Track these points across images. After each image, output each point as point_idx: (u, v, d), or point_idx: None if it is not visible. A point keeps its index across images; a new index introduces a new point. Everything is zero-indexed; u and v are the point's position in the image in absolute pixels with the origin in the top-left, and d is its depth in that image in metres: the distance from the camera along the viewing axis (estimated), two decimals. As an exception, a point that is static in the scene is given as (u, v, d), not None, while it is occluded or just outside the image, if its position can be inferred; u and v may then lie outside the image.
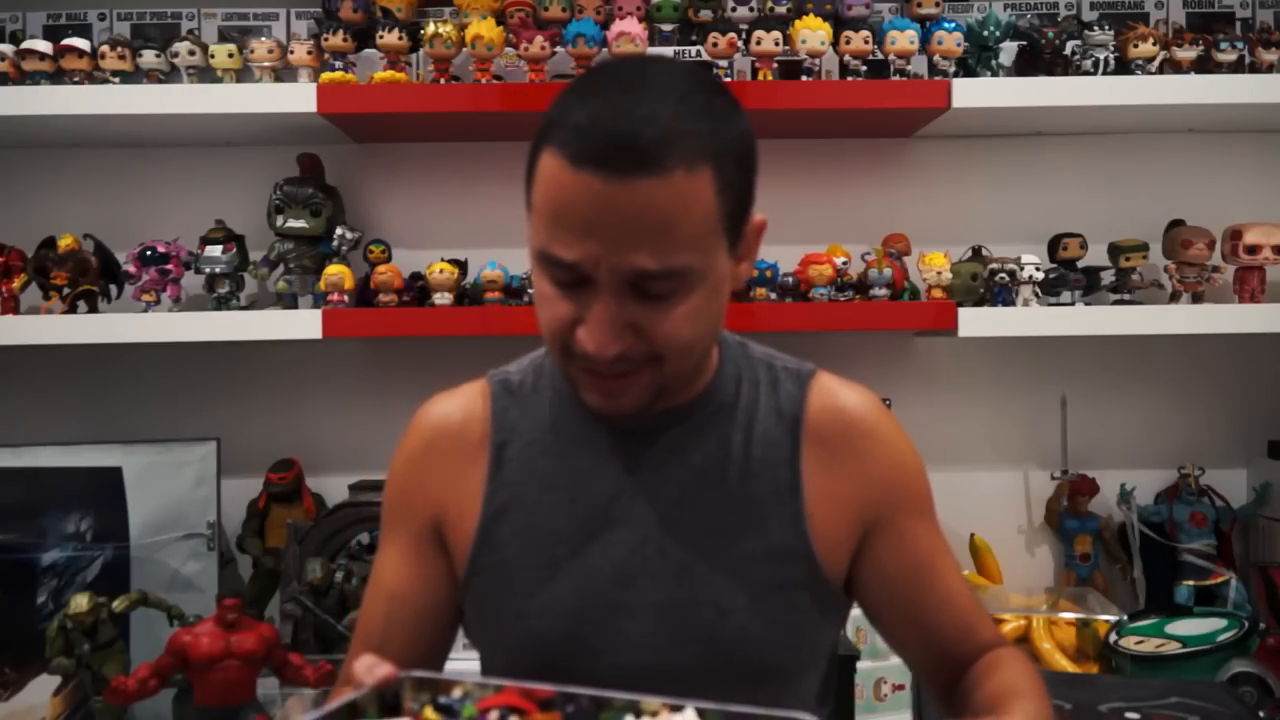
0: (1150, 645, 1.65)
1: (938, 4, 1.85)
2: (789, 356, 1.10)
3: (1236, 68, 1.85)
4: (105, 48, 1.82)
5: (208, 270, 1.86)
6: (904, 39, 1.78)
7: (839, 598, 1.06)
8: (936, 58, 1.81)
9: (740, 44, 1.80)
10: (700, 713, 0.72)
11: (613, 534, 1.02)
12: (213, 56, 1.84)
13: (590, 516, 1.03)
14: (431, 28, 1.78)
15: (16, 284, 1.86)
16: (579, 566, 1.02)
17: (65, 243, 1.86)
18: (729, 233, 0.93)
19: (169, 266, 1.84)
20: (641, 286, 0.90)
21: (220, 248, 1.87)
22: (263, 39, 1.85)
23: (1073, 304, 1.87)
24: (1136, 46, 1.81)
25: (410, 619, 1.07)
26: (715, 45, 1.78)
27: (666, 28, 1.85)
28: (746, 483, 1.03)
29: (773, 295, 1.83)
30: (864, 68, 1.81)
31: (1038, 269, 1.82)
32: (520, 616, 1.02)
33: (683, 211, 0.88)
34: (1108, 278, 1.93)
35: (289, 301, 1.87)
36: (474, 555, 1.05)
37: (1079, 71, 1.83)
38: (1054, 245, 1.93)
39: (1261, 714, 1.51)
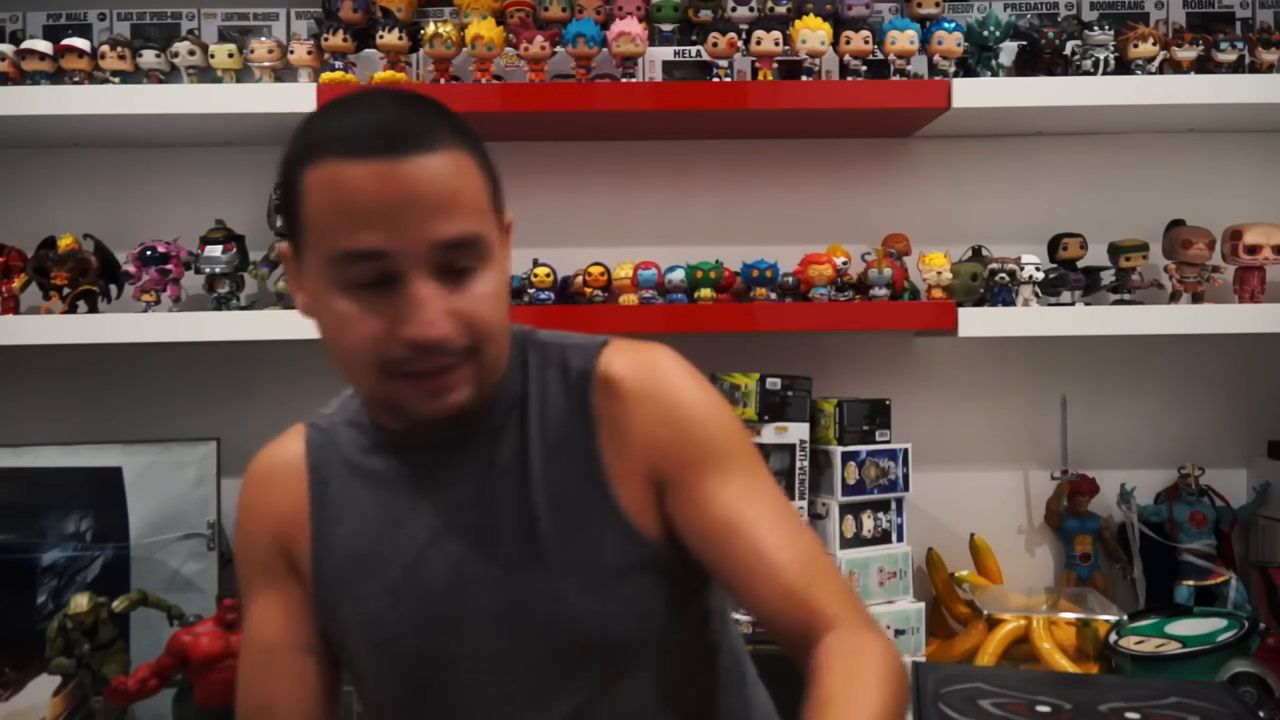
0: (1150, 645, 1.65)
1: (938, 4, 1.85)
2: (583, 335, 1.08)
3: (1236, 68, 1.85)
4: (105, 48, 1.82)
5: (208, 270, 1.85)
6: (904, 39, 1.78)
7: (677, 564, 1.02)
8: (936, 58, 1.81)
9: (740, 44, 1.80)
10: None
11: (439, 548, 1.03)
12: (213, 56, 1.84)
13: (414, 536, 1.03)
14: (431, 28, 1.78)
15: (16, 284, 1.86)
16: (415, 587, 1.02)
17: (65, 243, 1.86)
18: (496, 216, 0.99)
19: (169, 266, 1.84)
20: (447, 262, 0.93)
21: (220, 248, 1.87)
22: (263, 39, 1.85)
23: (1073, 304, 1.87)
24: (1136, 46, 1.81)
25: (291, 665, 1.08)
26: (715, 45, 1.78)
27: (666, 28, 1.85)
28: (550, 469, 1.02)
29: (773, 295, 1.83)
30: (864, 68, 1.81)
31: (1038, 269, 1.82)
32: (376, 647, 1.04)
33: (461, 183, 0.94)
34: (1108, 278, 1.93)
35: (289, 301, 1.87)
36: (316, 597, 1.07)
37: (1079, 71, 1.83)
38: (1054, 245, 1.93)
39: (1261, 714, 1.51)
